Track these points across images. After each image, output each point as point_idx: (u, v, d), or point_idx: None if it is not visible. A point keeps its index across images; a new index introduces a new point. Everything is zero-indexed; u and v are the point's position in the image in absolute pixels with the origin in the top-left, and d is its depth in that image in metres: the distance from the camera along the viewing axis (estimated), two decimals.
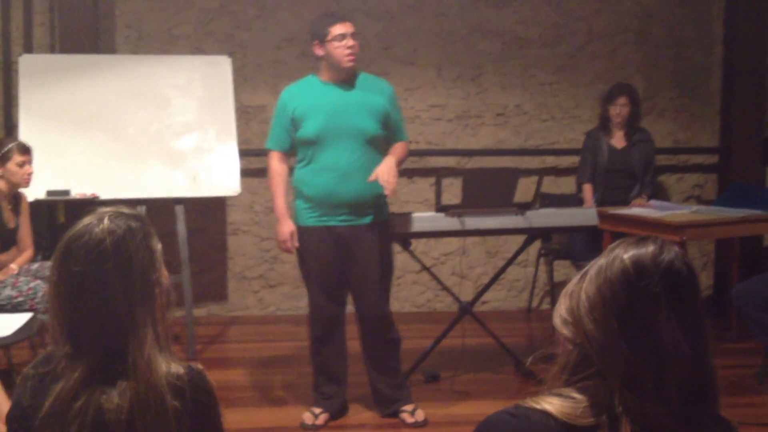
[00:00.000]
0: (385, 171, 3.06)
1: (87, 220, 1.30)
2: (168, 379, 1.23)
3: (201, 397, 1.26)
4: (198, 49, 4.73)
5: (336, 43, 3.09)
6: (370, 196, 3.15)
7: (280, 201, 3.21)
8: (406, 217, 3.48)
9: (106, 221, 1.28)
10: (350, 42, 3.09)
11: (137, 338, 1.24)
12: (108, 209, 1.32)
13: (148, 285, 1.28)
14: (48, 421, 1.23)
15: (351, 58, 3.10)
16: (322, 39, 3.11)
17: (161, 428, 1.21)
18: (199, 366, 1.30)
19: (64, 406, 1.23)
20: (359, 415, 3.34)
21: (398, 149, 3.24)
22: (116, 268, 1.25)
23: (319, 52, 3.14)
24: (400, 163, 3.21)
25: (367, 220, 3.17)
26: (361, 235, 3.15)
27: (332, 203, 3.13)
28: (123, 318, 1.25)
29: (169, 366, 1.25)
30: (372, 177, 3.06)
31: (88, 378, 1.24)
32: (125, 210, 1.33)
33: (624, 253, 1.11)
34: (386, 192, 3.07)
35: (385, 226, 3.26)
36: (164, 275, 1.35)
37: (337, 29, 3.08)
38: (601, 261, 1.13)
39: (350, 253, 3.16)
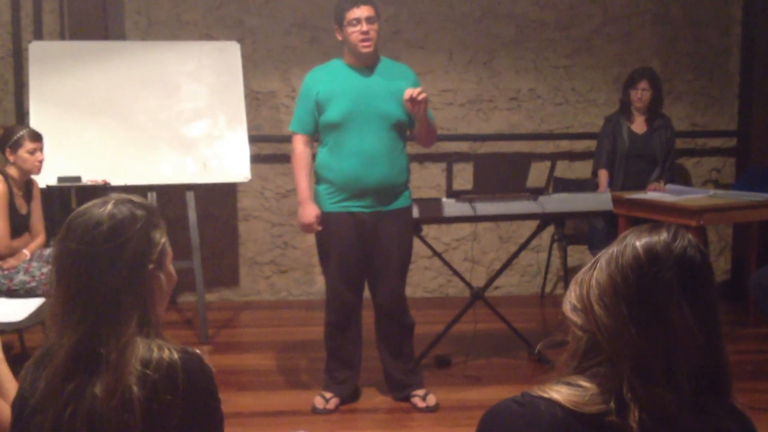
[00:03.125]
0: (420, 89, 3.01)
1: (94, 201, 1.32)
2: (151, 367, 1.22)
3: (197, 381, 1.25)
4: (207, 35, 4.71)
5: (351, 29, 3.06)
6: (395, 181, 3.14)
7: (304, 184, 3.17)
8: (417, 202, 3.45)
9: (110, 205, 1.30)
10: (364, 27, 3.04)
11: (116, 325, 1.24)
12: (119, 195, 1.33)
13: (140, 274, 1.27)
14: (42, 402, 1.24)
15: (365, 44, 3.06)
16: (340, 23, 3.10)
17: (122, 420, 1.20)
18: (196, 350, 1.29)
19: (55, 385, 1.23)
20: (370, 399, 3.33)
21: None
22: (108, 251, 1.26)
23: (338, 36, 3.13)
24: (429, 123, 3.16)
25: (392, 206, 3.15)
26: (386, 221, 3.13)
27: (356, 189, 3.10)
28: (106, 302, 1.25)
29: (161, 352, 1.24)
30: (409, 93, 2.99)
31: (73, 359, 1.24)
32: (135, 198, 1.33)
33: (636, 241, 1.10)
34: (414, 95, 2.98)
35: (407, 213, 3.24)
36: (168, 272, 1.34)
37: (353, 14, 3.05)
38: (612, 248, 1.12)
39: (373, 240, 3.14)
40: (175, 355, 1.24)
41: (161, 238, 1.32)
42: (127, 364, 1.21)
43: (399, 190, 3.18)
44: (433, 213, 3.45)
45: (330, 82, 3.14)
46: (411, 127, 3.21)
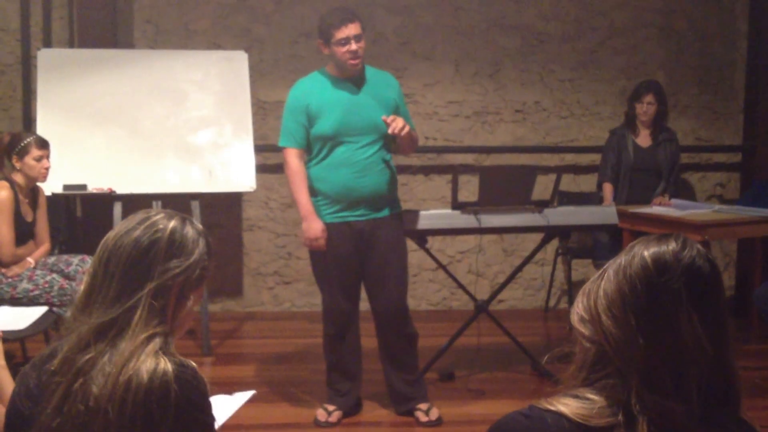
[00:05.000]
0: (397, 118, 3.05)
1: (165, 210, 1.39)
2: (148, 375, 1.23)
3: (188, 394, 1.25)
4: (215, 44, 4.73)
5: (340, 48, 3.05)
6: (387, 189, 3.17)
7: (305, 199, 3.14)
8: (422, 213, 3.45)
9: (178, 219, 1.36)
10: (353, 47, 3.05)
11: (140, 323, 1.27)
12: (200, 226, 1.40)
13: (167, 281, 1.31)
14: (59, 369, 1.26)
15: (354, 62, 3.07)
16: (327, 40, 3.09)
17: (109, 419, 1.22)
18: (192, 363, 1.30)
19: (73, 355, 1.26)
20: (373, 412, 3.32)
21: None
22: (167, 257, 1.31)
23: (325, 50, 3.13)
24: (411, 137, 3.15)
25: (385, 212, 3.18)
26: (381, 227, 3.15)
27: (350, 198, 3.11)
28: (142, 297, 1.28)
29: (157, 362, 1.24)
30: (387, 118, 3.03)
31: (96, 334, 1.27)
32: (199, 225, 1.39)
33: (645, 250, 1.09)
34: (393, 130, 3.02)
35: (399, 219, 3.26)
36: (196, 298, 1.37)
37: (341, 33, 3.03)
38: (620, 259, 1.10)
39: (369, 247, 3.15)
40: (170, 367, 1.24)
41: (199, 267, 1.36)
42: (133, 360, 1.24)
43: (390, 197, 3.22)
44: (437, 224, 3.44)
45: (319, 94, 3.14)
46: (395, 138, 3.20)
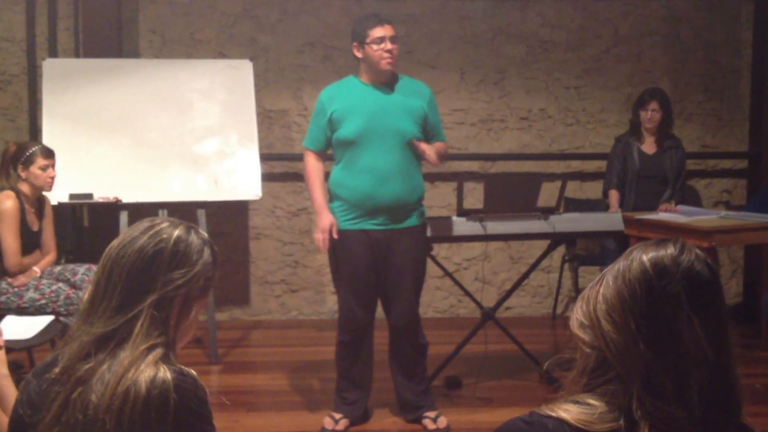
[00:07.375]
0: (426, 146, 3.13)
1: (170, 219, 1.38)
2: (147, 385, 1.23)
3: (188, 403, 1.25)
4: (220, 54, 4.76)
5: (375, 46, 3.06)
6: (409, 199, 3.14)
7: (318, 194, 3.16)
8: (428, 221, 3.44)
9: (183, 227, 1.35)
10: (388, 45, 3.06)
11: (142, 334, 1.26)
12: (205, 235, 1.39)
13: (170, 292, 1.30)
14: (59, 378, 1.26)
15: (389, 61, 3.08)
16: (361, 41, 3.10)
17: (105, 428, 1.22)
18: (192, 372, 1.29)
19: (73, 363, 1.25)
20: (380, 421, 3.30)
21: (437, 144, 3.25)
22: (168, 268, 1.30)
23: (358, 53, 3.13)
24: (440, 155, 3.20)
25: (405, 224, 3.15)
26: (399, 239, 3.12)
27: (370, 206, 3.09)
28: (144, 308, 1.27)
29: (156, 371, 1.24)
30: (418, 143, 3.09)
31: (96, 344, 1.27)
32: (204, 234, 1.39)
33: (643, 255, 1.09)
34: (430, 160, 3.12)
35: (422, 231, 3.23)
36: (199, 308, 1.37)
37: (377, 32, 3.06)
38: (618, 264, 1.11)
39: (387, 258, 3.13)
40: (169, 375, 1.24)
41: (201, 278, 1.35)
42: (132, 369, 1.23)
43: (412, 207, 3.17)
44: (443, 232, 3.44)
45: (345, 99, 3.14)
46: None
